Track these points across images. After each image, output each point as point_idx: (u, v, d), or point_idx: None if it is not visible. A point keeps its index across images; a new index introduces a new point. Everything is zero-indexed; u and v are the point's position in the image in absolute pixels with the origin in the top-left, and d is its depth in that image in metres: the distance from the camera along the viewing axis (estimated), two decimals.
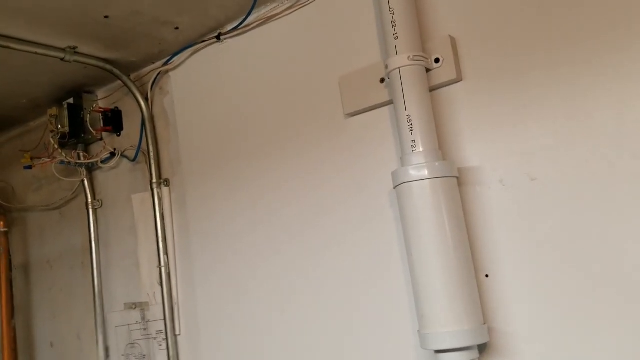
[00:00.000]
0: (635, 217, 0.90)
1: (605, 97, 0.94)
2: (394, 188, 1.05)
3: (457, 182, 1.03)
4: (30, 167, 1.67)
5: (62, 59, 1.43)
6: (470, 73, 1.08)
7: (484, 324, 0.98)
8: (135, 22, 1.37)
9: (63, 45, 1.43)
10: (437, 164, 1.00)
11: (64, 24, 1.34)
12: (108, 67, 1.53)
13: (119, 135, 1.66)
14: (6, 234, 1.83)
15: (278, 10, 1.35)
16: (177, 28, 1.43)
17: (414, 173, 1.00)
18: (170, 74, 1.56)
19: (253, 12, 1.35)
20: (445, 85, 1.10)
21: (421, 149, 1.02)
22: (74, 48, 1.44)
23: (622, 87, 0.93)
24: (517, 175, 1.01)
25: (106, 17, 1.33)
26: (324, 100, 1.26)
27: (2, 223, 1.83)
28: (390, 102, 1.14)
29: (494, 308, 1.01)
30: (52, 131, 1.65)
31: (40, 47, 1.39)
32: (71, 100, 1.66)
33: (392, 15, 1.08)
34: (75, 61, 1.45)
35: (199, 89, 1.50)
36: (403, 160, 1.05)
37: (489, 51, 1.06)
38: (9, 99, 1.69)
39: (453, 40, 1.09)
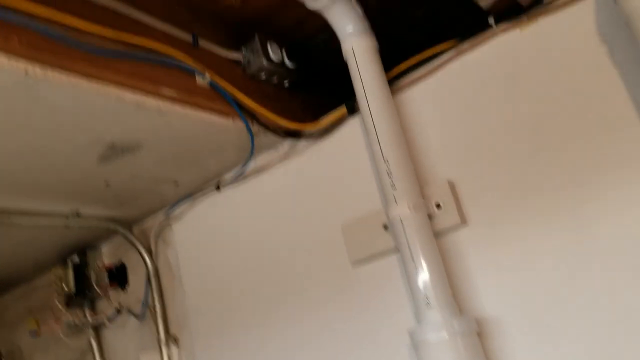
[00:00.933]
0: None
1: (613, 226, 0.92)
2: (413, 346, 1.00)
3: (478, 335, 0.98)
4: (35, 333, 1.63)
5: (65, 226, 1.44)
6: (474, 216, 1.06)
7: None
8: (136, 184, 1.39)
9: (65, 209, 1.43)
10: (455, 322, 0.95)
11: (65, 193, 1.35)
12: (112, 226, 1.53)
13: (124, 290, 1.62)
14: None
15: (274, 159, 1.37)
16: (176, 183, 1.44)
17: (432, 335, 0.94)
18: (172, 225, 1.55)
19: (250, 161, 1.37)
20: (451, 231, 1.07)
21: (435, 304, 0.98)
22: (76, 212, 1.45)
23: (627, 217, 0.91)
24: (537, 321, 0.96)
25: (107, 184, 1.35)
26: (328, 249, 1.24)
27: None
28: (396, 249, 1.12)
29: None
30: (57, 291, 1.62)
31: (43, 217, 1.40)
32: (76, 259, 1.65)
33: (386, 165, 1.09)
34: (78, 226, 1.46)
35: (201, 239, 1.49)
36: (418, 317, 1.00)
37: (490, 191, 1.05)
38: (13, 263, 1.68)
39: (452, 185, 1.08)
